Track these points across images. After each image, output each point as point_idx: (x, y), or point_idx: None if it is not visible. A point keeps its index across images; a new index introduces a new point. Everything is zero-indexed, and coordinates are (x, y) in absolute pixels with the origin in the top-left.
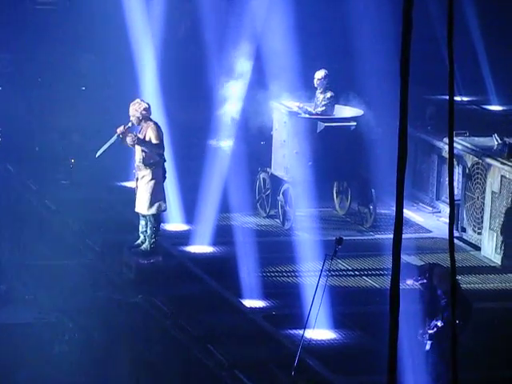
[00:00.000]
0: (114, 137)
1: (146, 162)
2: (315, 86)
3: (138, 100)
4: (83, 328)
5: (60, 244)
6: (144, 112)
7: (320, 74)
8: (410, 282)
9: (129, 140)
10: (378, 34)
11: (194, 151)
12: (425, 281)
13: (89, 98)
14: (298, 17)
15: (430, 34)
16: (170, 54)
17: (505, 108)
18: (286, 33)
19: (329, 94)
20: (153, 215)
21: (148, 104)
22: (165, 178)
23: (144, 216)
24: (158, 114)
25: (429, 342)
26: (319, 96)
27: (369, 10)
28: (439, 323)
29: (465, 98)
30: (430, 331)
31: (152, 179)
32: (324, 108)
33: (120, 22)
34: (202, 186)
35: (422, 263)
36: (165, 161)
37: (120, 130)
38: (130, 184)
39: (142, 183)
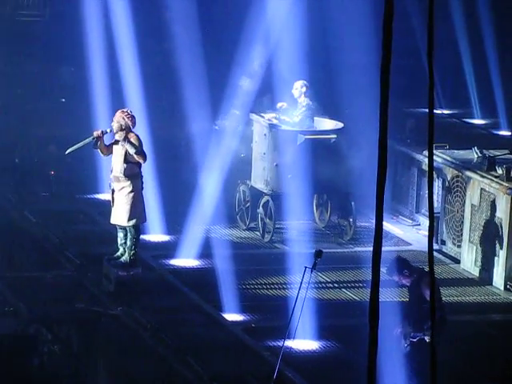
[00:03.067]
0: (90, 138)
1: (127, 173)
2: (295, 96)
3: (128, 109)
4: (62, 340)
5: (39, 256)
6: (129, 123)
7: (298, 83)
8: (396, 277)
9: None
10: (358, 46)
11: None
12: (410, 278)
13: (69, 110)
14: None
15: (412, 47)
16: (154, 65)
17: (486, 122)
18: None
19: (305, 102)
20: (133, 226)
21: (135, 117)
22: (142, 188)
23: (123, 228)
24: (141, 125)
25: (408, 347)
26: (298, 105)
27: (349, 21)
28: (427, 338)
29: (446, 111)
30: (413, 340)
31: (132, 191)
32: (300, 116)
33: (102, 34)
34: (183, 197)
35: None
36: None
37: (97, 133)
38: (108, 196)
39: (120, 195)
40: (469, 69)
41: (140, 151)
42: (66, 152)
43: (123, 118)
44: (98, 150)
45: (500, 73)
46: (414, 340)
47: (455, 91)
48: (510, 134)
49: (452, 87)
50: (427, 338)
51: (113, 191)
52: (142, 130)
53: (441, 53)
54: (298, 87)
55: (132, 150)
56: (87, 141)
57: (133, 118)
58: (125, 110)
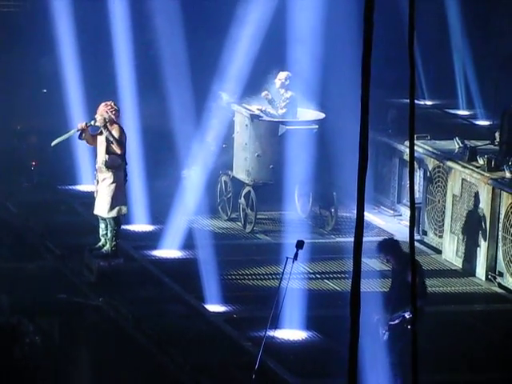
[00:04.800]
0: (74, 130)
1: (109, 164)
2: (277, 87)
3: (111, 102)
4: (44, 331)
5: (21, 246)
6: (112, 116)
7: (283, 74)
8: (383, 256)
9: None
10: (340, 36)
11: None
12: (396, 261)
13: (50, 101)
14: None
15: (394, 37)
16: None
17: (471, 112)
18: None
19: (289, 94)
20: (113, 218)
21: (119, 109)
22: (126, 180)
23: (104, 219)
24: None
25: (386, 333)
26: (281, 96)
27: (330, 13)
28: (406, 315)
29: (428, 102)
30: (392, 322)
31: (113, 182)
32: (285, 109)
33: (84, 25)
34: (166, 187)
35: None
36: (126, 164)
37: (81, 125)
38: (91, 187)
39: (102, 186)
40: (455, 59)
41: (117, 141)
42: (52, 144)
43: (106, 112)
44: (85, 141)
45: (481, 62)
46: (393, 323)
47: (441, 82)
48: (486, 123)
49: (438, 78)
50: (407, 315)
51: (97, 182)
52: (125, 120)
53: (432, 43)
54: (282, 79)
55: (110, 137)
56: (71, 133)
57: (116, 111)
58: (108, 103)
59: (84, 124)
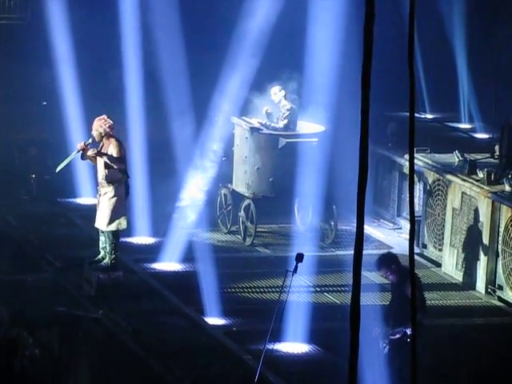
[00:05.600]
0: (75, 152)
1: (109, 179)
2: (276, 102)
3: (104, 116)
4: (43, 343)
5: (20, 259)
6: (108, 129)
7: (275, 89)
8: (383, 271)
9: (90, 152)
10: (340, 49)
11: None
12: (396, 275)
13: (50, 113)
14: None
15: (401, 51)
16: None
17: (472, 126)
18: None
19: (288, 106)
20: (112, 232)
21: (113, 122)
22: (128, 194)
23: (103, 232)
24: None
25: (387, 347)
26: (280, 109)
27: (331, 24)
28: (408, 331)
29: (429, 116)
30: (392, 337)
31: (114, 196)
32: (286, 120)
33: (85, 37)
34: (167, 200)
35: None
36: (128, 177)
37: (80, 145)
38: (90, 200)
39: (103, 199)
40: (459, 72)
41: (116, 159)
42: (56, 170)
43: (101, 126)
44: (88, 160)
45: (480, 75)
46: (394, 337)
47: (442, 96)
48: (486, 136)
49: (439, 92)
50: (409, 331)
51: (99, 195)
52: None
53: (433, 56)
54: (277, 92)
55: (108, 160)
56: (73, 155)
57: (110, 124)
58: (101, 118)
59: (83, 144)
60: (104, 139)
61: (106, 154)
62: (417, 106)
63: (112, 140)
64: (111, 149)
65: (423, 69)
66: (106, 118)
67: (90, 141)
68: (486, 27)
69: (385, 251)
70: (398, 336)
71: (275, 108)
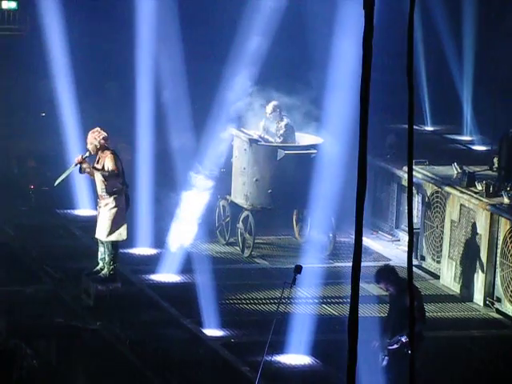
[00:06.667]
0: (73, 166)
1: (109, 191)
2: (271, 120)
3: (97, 128)
4: (42, 355)
5: (19, 270)
6: (103, 141)
7: (270, 107)
8: (382, 284)
9: (85, 165)
10: (340, 62)
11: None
12: (394, 287)
13: (48, 124)
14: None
15: (400, 64)
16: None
17: (474, 138)
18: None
19: (284, 122)
20: (111, 242)
21: (107, 133)
22: (128, 205)
23: (102, 242)
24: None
25: (386, 358)
26: (276, 126)
27: (330, 36)
28: (403, 339)
29: (430, 128)
30: (390, 347)
31: (115, 206)
32: (282, 138)
33: (84, 50)
34: (168, 212)
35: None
36: (127, 187)
37: (78, 159)
38: (89, 211)
39: (104, 210)
40: (458, 85)
41: (110, 173)
42: (55, 184)
43: (95, 139)
44: (87, 175)
45: (479, 88)
46: (392, 348)
47: (442, 108)
48: (485, 149)
49: (439, 104)
50: (404, 339)
51: (99, 207)
52: (121, 146)
53: (434, 69)
54: (272, 110)
55: (104, 174)
56: (71, 169)
57: (104, 136)
58: (95, 131)
59: (80, 157)
60: (100, 152)
61: (101, 170)
62: (416, 118)
63: (107, 153)
64: (107, 162)
65: (426, 82)
66: (99, 130)
67: (88, 154)
68: (484, 41)
69: (383, 263)
70: (395, 346)
71: (271, 124)
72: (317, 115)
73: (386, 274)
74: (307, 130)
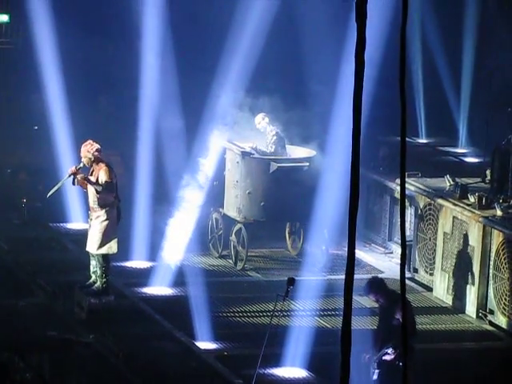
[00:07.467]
0: (66, 177)
1: (101, 204)
2: (262, 131)
3: (89, 141)
4: (34, 368)
5: (11, 283)
6: (96, 153)
7: (258, 118)
8: (372, 295)
9: (79, 177)
10: (331, 73)
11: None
12: (384, 299)
13: (40, 137)
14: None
15: (390, 75)
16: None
17: (468, 150)
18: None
19: (273, 132)
20: (102, 255)
21: (100, 145)
22: (120, 218)
23: (93, 256)
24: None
25: (376, 371)
26: (266, 136)
27: (322, 49)
28: (389, 350)
29: (423, 140)
30: (377, 360)
31: (106, 219)
32: (273, 147)
33: (76, 62)
34: (160, 225)
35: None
36: (119, 201)
37: (72, 170)
38: (81, 225)
39: (95, 223)
40: (450, 98)
41: (104, 185)
42: (48, 196)
43: (88, 151)
44: (80, 187)
45: (471, 100)
46: (379, 360)
47: (436, 121)
48: (477, 161)
49: (432, 117)
50: (390, 351)
51: (90, 220)
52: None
53: (428, 82)
54: (261, 120)
55: (98, 188)
56: (64, 180)
57: (97, 148)
58: (87, 143)
59: (74, 168)
60: (94, 164)
61: (94, 183)
62: (410, 130)
63: (102, 165)
64: (101, 174)
65: (421, 94)
66: (91, 142)
67: (82, 165)
68: (477, 55)
69: (372, 276)
70: (383, 358)
71: (261, 136)
72: (309, 127)
73: (374, 286)
74: (299, 143)
